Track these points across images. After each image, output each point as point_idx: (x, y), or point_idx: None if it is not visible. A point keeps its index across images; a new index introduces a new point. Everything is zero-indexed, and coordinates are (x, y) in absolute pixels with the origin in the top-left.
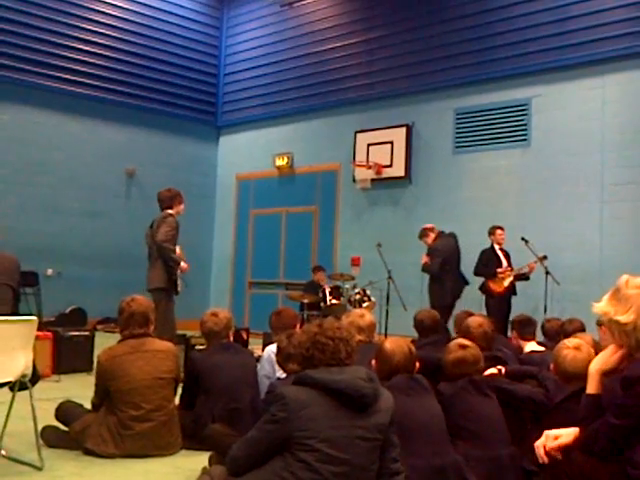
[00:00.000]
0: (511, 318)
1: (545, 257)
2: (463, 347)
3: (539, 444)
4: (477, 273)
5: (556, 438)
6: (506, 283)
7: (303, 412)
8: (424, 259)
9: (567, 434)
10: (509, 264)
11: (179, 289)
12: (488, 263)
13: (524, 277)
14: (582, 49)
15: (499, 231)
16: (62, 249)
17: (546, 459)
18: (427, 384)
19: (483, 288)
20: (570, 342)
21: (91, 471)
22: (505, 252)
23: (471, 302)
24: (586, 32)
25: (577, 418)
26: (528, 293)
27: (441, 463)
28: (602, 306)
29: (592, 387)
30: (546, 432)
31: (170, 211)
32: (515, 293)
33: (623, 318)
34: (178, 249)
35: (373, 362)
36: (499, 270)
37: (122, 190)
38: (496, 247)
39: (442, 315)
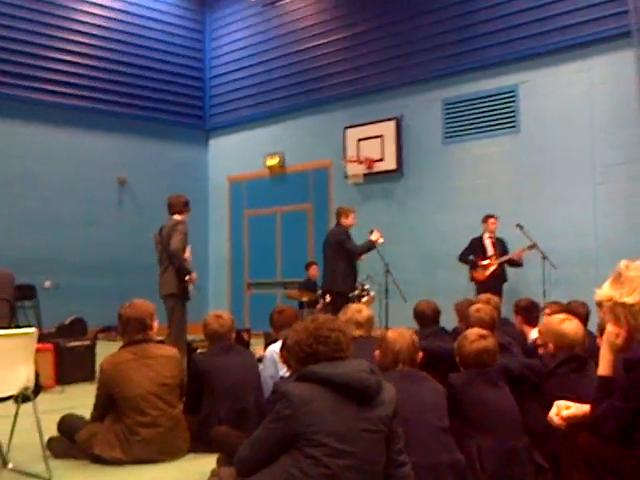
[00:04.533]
0: (513, 303)
1: (534, 245)
2: (484, 337)
3: (552, 414)
4: (460, 259)
5: (567, 408)
6: (488, 272)
7: (308, 408)
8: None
9: (577, 407)
10: (496, 253)
11: (190, 295)
12: (474, 252)
13: (516, 264)
14: (566, 32)
15: (492, 219)
16: (58, 260)
17: (563, 424)
18: (423, 375)
19: (470, 277)
20: (557, 317)
21: (99, 479)
22: (498, 240)
23: (461, 290)
24: (569, 15)
25: (570, 384)
26: (526, 278)
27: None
28: (605, 291)
29: (603, 368)
30: (556, 402)
31: (178, 217)
32: (505, 280)
33: (629, 299)
34: (188, 250)
35: (377, 352)
36: (480, 263)
37: (115, 199)
38: (486, 236)
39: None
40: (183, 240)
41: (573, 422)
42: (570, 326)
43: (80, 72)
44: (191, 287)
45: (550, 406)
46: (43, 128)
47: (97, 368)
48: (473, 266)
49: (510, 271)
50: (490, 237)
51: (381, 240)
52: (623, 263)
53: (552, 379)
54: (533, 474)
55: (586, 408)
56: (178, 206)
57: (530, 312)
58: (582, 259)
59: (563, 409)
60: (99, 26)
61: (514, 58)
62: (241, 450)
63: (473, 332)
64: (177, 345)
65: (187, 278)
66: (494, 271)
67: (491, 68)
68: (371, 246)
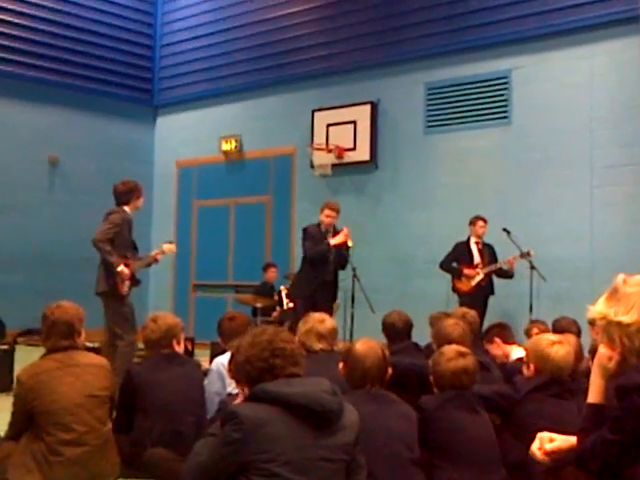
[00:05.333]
0: (486, 325)
1: (529, 253)
2: (463, 355)
3: (534, 448)
4: (442, 267)
5: (551, 440)
6: (474, 282)
7: (260, 432)
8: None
9: (562, 439)
10: (483, 260)
11: (124, 291)
12: (458, 259)
13: (506, 275)
14: (567, 14)
15: (480, 222)
16: None
17: (547, 459)
18: (394, 398)
19: (452, 286)
20: (549, 337)
21: None
22: (486, 246)
23: (439, 301)
24: None
25: (547, 411)
26: (511, 291)
27: None
28: (599, 308)
29: (593, 395)
30: (539, 435)
31: (125, 207)
32: (493, 292)
33: (626, 318)
34: (167, 247)
35: (341, 366)
36: (465, 271)
37: (44, 181)
38: (472, 240)
39: None
40: (110, 230)
41: (558, 457)
42: (559, 352)
43: (8, 32)
44: (126, 283)
45: (525, 436)
46: None
47: (15, 378)
48: (457, 275)
49: (496, 283)
50: (477, 242)
51: (350, 243)
52: (620, 277)
53: (525, 405)
54: None
55: (572, 440)
56: (123, 196)
57: (505, 330)
58: (575, 271)
59: (546, 442)
60: None
61: (508, 40)
62: (184, 476)
63: (451, 349)
64: (110, 353)
65: (118, 269)
66: (480, 281)
67: (482, 50)
68: (324, 251)
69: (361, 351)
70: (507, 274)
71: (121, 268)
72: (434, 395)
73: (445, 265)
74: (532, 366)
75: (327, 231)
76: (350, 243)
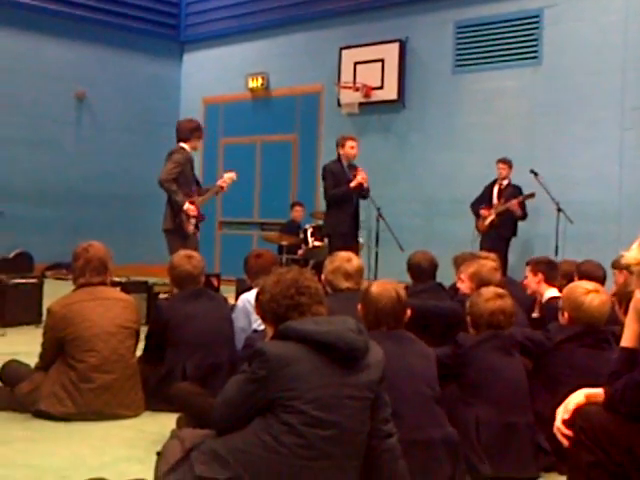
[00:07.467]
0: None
1: (532, 195)
2: (500, 296)
3: (558, 425)
4: (471, 208)
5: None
6: (487, 222)
7: (286, 370)
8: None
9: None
10: (500, 201)
11: (189, 230)
12: (484, 200)
13: (515, 216)
14: None
15: (500, 164)
16: (2, 185)
17: (566, 442)
18: (412, 337)
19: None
20: (585, 285)
21: (44, 435)
22: (509, 187)
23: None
24: None
25: (576, 362)
26: (538, 233)
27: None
28: (634, 254)
29: (627, 339)
30: (566, 401)
31: (183, 145)
32: (515, 234)
33: None
34: (228, 176)
35: (359, 307)
36: (480, 212)
37: (71, 116)
38: (497, 182)
39: None
40: (174, 170)
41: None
42: (594, 301)
43: None
44: (192, 221)
45: (554, 386)
46: None
47: (44, 310)
48: (478, 216)
49: (522, 224)
50: (500, 184)
51: (365, 184)
52: None
53: (556, 355)
54: (533, 456)
55: (599, 391)
56: (184, 132)
57: (552, 270)
58: (603, 214)
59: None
60: None
61: None
62: (216, 413)
63: (490, 290)
64: None
65: (184, 207)
66: (492, 221)
67: None
68: (344, 194)
69: (375, 292)
70: (515, 215)
71: (187, 206)
72: (471, 334)
73: (473, 207)
74: (566, 314)
75: (350, 165)
76: (365, 185)
